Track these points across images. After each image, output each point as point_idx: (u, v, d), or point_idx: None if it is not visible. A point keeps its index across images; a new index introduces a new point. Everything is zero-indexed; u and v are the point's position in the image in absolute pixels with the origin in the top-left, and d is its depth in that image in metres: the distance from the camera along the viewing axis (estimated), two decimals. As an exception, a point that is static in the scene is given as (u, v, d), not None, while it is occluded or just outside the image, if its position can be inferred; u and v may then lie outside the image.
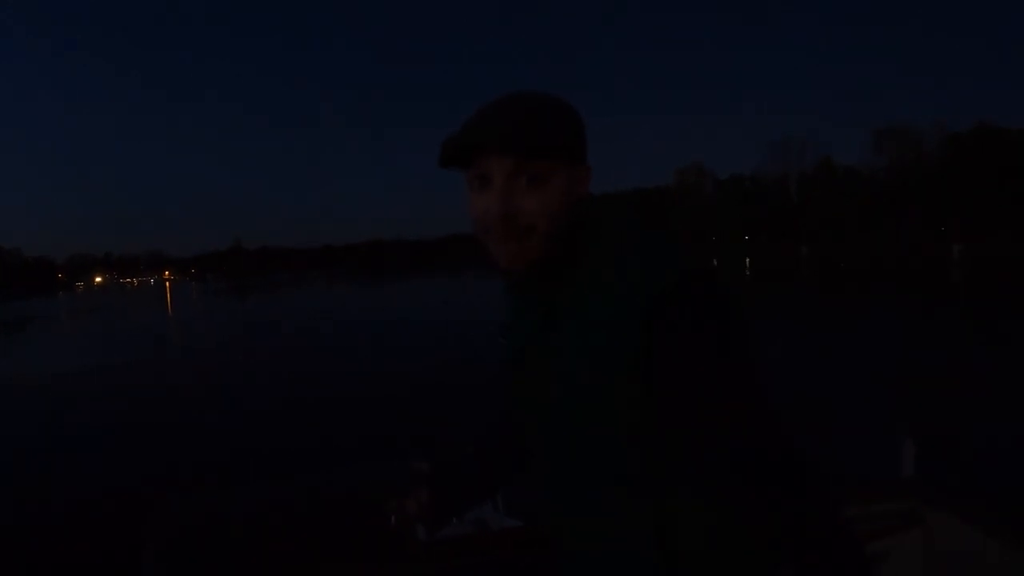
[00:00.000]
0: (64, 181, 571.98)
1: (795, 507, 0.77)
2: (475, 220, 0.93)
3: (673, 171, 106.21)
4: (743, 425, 0.79)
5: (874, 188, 66.85)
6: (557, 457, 0.97)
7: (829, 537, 0.77)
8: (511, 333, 1.05)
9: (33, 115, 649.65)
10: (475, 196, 0.92)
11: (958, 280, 31.18)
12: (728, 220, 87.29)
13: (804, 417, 5.76)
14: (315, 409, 9.92)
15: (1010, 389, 8.41)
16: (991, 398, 8.01)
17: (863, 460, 3.53)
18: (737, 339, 0.83)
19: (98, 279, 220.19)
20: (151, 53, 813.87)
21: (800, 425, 0.85)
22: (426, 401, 9.88)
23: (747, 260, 60.51)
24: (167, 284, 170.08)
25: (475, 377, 10.32)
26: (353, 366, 14.42)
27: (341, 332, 21.79)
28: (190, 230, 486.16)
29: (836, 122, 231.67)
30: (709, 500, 0.87)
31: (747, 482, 0.79)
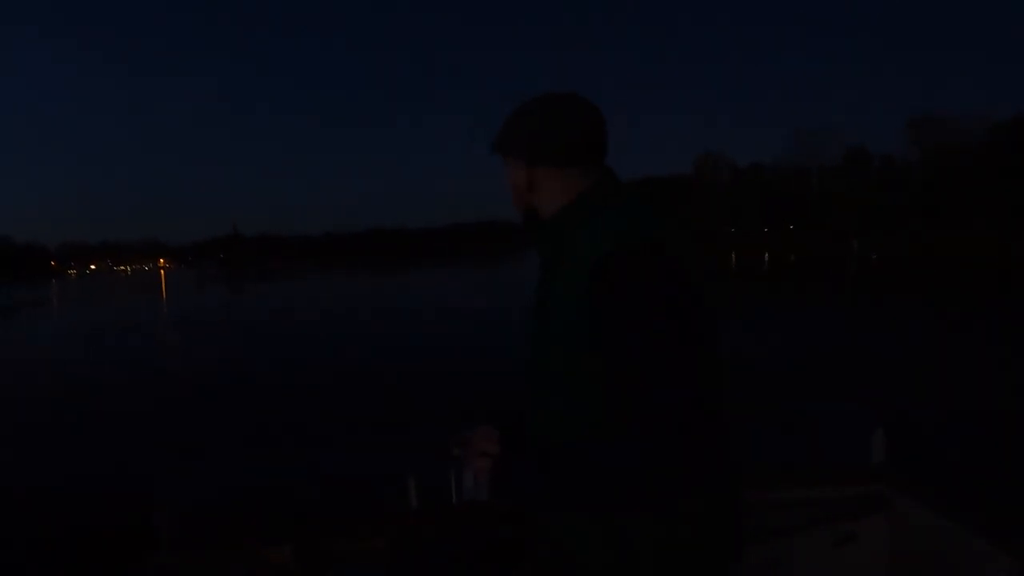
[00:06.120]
0: (59, 168, 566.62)
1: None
2: None
3: (693, 158, 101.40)
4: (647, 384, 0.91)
5: (912, 178, 62.68)
6: (539, 403, 1.12)
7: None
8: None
9: (27, 102, 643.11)
10: None
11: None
12: (746, 210, 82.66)
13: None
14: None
15: None
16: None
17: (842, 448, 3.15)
18: (667, 313, 0.93)
19: (92, 266, 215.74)
20: (147, 40, 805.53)
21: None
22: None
23: (765, 255, 55.64)
24: (162, 272, 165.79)
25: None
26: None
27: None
28: (187, 217, 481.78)
29: (864, 111, 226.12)
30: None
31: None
